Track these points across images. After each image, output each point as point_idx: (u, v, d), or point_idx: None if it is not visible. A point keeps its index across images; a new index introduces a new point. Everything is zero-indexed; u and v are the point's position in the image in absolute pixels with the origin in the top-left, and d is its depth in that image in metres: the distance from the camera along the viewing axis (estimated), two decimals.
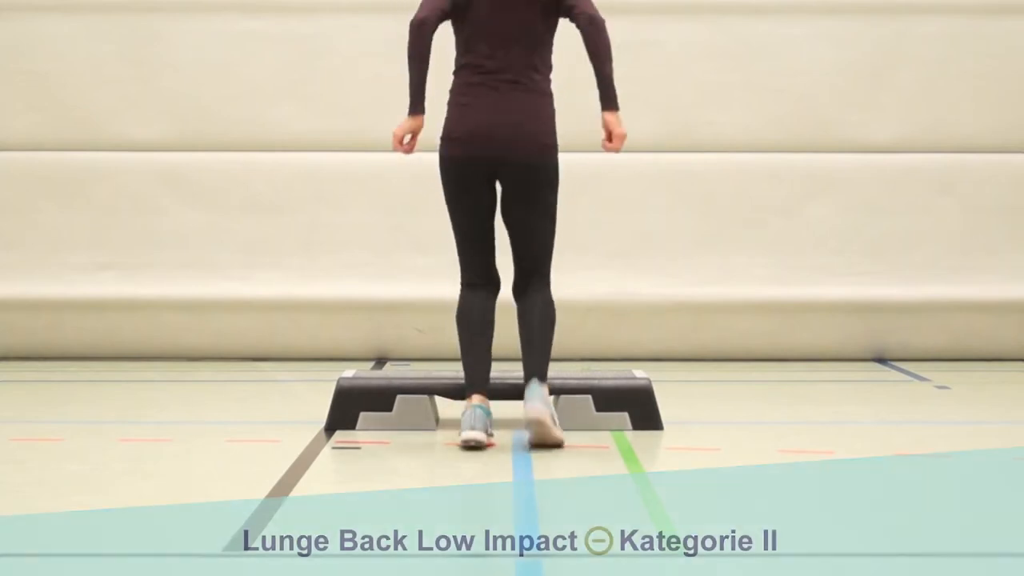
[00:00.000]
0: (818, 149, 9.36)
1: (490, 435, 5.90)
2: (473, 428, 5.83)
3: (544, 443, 5.83)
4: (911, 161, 9.37)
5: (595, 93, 9.30)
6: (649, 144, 9.32)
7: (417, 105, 5.98)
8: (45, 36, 9.28)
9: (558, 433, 5.86)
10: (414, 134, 6.02)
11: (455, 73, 6.07)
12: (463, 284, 6.08)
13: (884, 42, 9.35)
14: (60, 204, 9.29)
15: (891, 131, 9.36)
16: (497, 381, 6.15)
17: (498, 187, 6.05)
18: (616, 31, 9.25)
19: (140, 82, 9.29)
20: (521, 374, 6.03)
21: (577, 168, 9.19)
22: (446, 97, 6.10)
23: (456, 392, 6.31)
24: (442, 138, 6.03)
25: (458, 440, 5.88)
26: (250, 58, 9.32)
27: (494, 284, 6.09)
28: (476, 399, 5.94)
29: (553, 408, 5.93)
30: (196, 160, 9.33)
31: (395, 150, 6.06)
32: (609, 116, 5.99)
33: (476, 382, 5.98)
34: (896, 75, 9.34)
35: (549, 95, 6.03)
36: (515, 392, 6.12)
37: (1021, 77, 9.36)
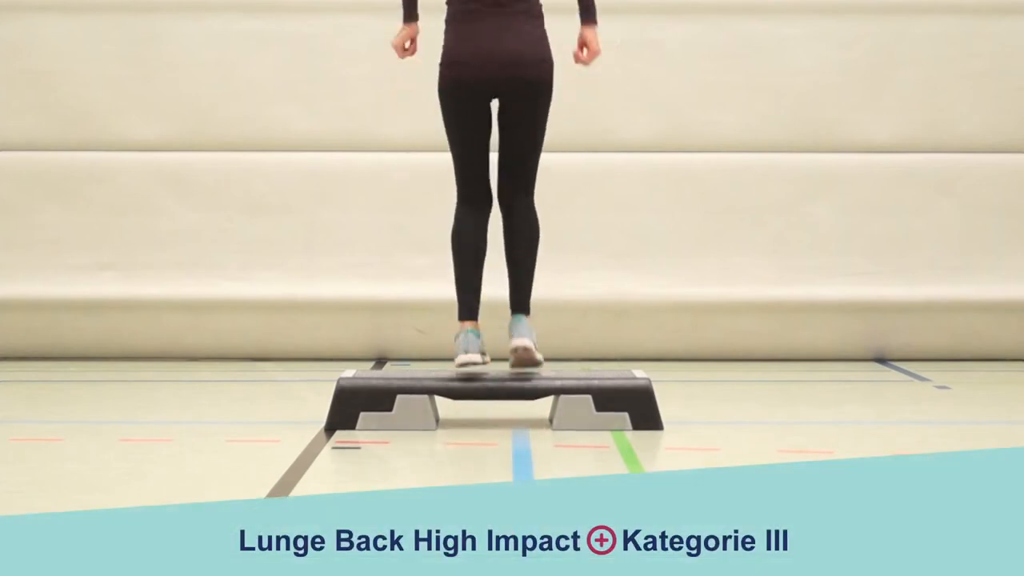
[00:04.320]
0: (818, 149, 9.36)
1: (484, 354, 6.27)
2: (467, 351, 6.23)
3: (524, 366, 6.27)
4: (911, 161, 9.37)
5: (594, 94, 9.32)
6: (649, 144, 9.32)
7: (411, 14, 6.35)
8: (45, 36, 9.27)
9: (538, 355, 6.25)
10: (412, 39, 6.37)
11: (449, 2, 6.33)
12: (459, 199, 6.43)
13: (884, 42, 9.34)
14: (60, 204, 9.29)
15: (891, 131, 9.35)
16: (493, 383, 6.28)
17: (493, 106, 6.35)
18: (616, 31, 9.34)
19: (140, 82, 9.29)
20: (519, 374, 6.33)
21: (577, 168, 9.22)
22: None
23: (456, 392, 6.32)
24: (442, 64, 6.32)
25: (454, 366, 6.28)
26: (250, 58, 9.32)
27: (488, 200, 6.44)
28: (468, 325, 6.32)
29: (535, 335, 6.27)
30: (196, 160, 9.32)
31: (401, 58, 6.39)
32: (587, 31, 6.33)
33: (468, 312, 6.35)
34: (896, 75, 9.33)
35: (541, 17, 6.32)
36: (510, 393, 6.31)
37: (1021, 77, 9.36)
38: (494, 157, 6.44)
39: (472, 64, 6.23)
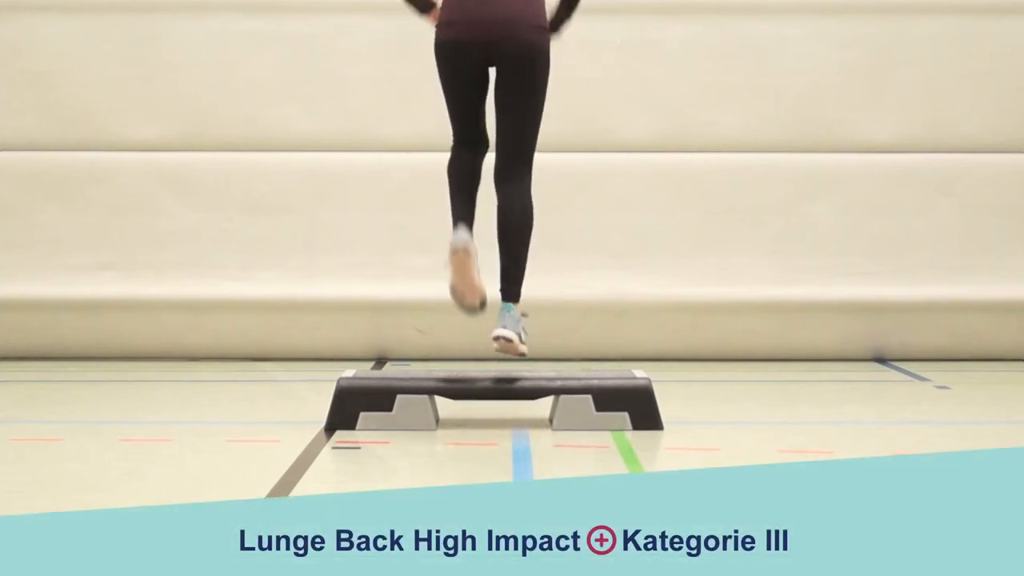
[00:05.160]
0: (818, 149, 9.36)
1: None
2: (460, 236, 6.18)
3: (508, 354, 6.24)
4: (911, 161, 9.37)
5: (594, 94, 9.31)
6: (649, 144, 9.33)
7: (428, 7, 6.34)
8: (45, 36, 9.27)
9: (522, 347, 6.23)
10: (437, 16, 6.33)
11: None
12: (455, 142, 6.39)
13: (884, 42, 9.35)
14: (60, 204, 9.29)
15: (891, 131, 9.36)
16: (493, 383, 6.31)
17: (491, 72, 6.29)
18: (616, 31, 9.34)
19: (140, 82, 9.29)
20: (513, 374, 6.38)
21: (577, 168, 9.22)
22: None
23: (456, 392, 6.32)
24: (438, 25, 6.27)
25: (447, 256, 6.24)
26: (250, 58, 9.32)
27: (484, 143, 6.40)
28: (461, 226, 6.21)
29: (520, 327, 6.24)
30: (196, 160, 9.33)
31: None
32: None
33: (463, 215, 6.27)
34: (896, 75, 9.34)
35: None
36: (510, 393, 6.33)
37: (1021, 77, 9.36)
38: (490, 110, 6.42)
39: (465, 26, 6.17)
